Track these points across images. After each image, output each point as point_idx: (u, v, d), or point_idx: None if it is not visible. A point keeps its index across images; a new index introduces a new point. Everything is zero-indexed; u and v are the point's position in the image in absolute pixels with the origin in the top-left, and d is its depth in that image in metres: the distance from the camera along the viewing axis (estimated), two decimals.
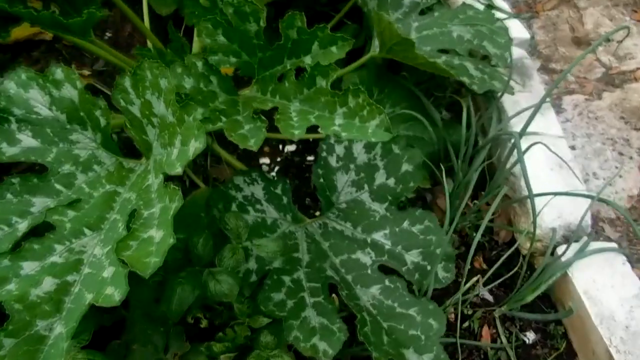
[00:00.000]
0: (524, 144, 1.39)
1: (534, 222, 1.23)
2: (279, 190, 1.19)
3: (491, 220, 1.47)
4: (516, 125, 1.41)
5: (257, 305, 1.02)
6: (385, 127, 0.89)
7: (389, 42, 1.18)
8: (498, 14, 1.56)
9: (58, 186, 0.94)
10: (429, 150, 1.43)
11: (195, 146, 0.82)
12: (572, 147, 1.82)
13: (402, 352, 1.07)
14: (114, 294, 0.78)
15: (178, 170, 0.83)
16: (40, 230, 0.90)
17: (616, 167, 1.81)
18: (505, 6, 1.61)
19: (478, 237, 1.20)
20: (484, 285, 1.38)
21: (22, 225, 0.90)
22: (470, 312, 1.34)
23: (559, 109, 1.87)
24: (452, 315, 1.31)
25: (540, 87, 1.47)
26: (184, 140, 0.84)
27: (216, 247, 0.96)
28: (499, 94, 1.39)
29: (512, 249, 1.31)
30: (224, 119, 0.97)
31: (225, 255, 0.92)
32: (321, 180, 1.23)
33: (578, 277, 1.25)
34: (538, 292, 1.24)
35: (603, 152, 1.82)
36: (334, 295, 1.11)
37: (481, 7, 1.56)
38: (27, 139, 0.95)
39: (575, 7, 2.08)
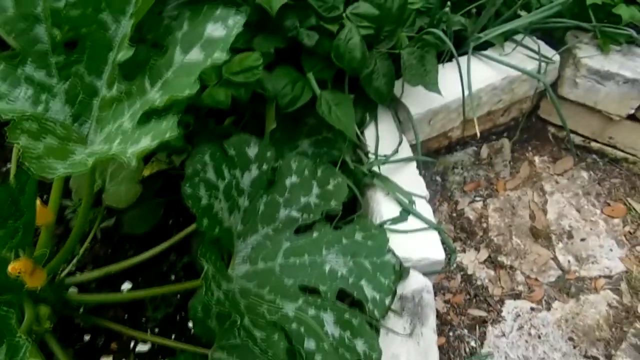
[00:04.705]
0: None
1: None
2: None
3: None
4: None
5: None
6: None
7: None
8: (417, 225, 1.30)
9: None
10: None
11: None
12: None
13: None
14: None
15: None
16: None
17: None
18: (429, 214, 1.35)
19: None
20: None
21: None
22: None
23: (497, 318, 1.59)
24: None
25: (433, 337, 1.20)
26: None
27: None
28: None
29: None
30: None
31: None
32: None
33: None
34: None
35: None
36: None
37: (396, 212, 1.32)
38: None
39: (540, 191, 1.79)
